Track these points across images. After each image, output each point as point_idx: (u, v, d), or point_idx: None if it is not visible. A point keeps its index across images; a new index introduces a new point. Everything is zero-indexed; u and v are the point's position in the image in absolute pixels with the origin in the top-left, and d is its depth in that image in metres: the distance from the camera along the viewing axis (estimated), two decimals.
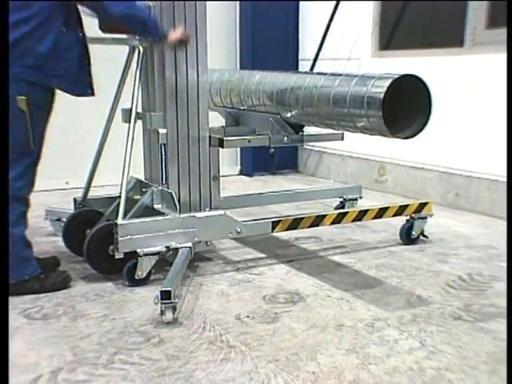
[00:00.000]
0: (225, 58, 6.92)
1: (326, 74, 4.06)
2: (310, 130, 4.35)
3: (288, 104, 4.09)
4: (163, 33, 3.70)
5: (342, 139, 4.38)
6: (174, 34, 3.72)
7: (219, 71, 4.86)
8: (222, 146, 4.01)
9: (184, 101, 3.89)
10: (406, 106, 3.57)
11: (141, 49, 3.83)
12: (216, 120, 4.50)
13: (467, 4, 5.38)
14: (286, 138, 4.17)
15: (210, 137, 4.01)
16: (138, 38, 3.83)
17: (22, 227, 3.56)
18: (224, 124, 4.65)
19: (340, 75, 3.85)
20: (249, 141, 4.22)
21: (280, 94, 4.14)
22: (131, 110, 3.82)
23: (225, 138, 4.02)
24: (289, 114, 4.11)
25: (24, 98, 3.38)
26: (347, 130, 3.98)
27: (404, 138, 3.62)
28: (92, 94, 3.69)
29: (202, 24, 3.87)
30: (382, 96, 3.41)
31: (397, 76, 3.46)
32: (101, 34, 3.83)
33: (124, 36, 3.88)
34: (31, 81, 3.39)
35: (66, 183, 5.90)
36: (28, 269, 3.56)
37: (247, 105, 4.47)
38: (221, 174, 4.28)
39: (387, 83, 3.43)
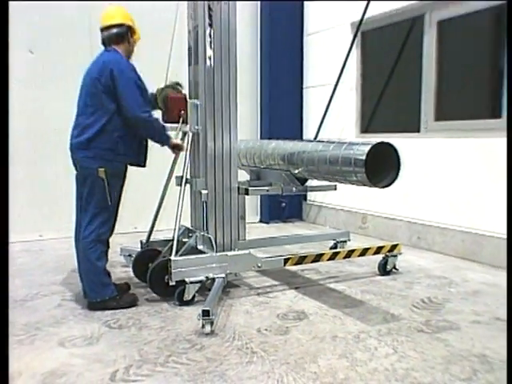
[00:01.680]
0: (249, 131, 6.98)
1: (323, 141, 4.11)
2: (312, 182, 4.39)
3: (296, 163, 4.12)
4: (167, 141, 3.75)
5: (335, 189, 4.38)
6: (174, 142, 3.81)
7: (245, 141, 4.92)
8: (247, 194, 4.04)
9: (220, 162, 3.92)
10: (382, 164, 3.59)
11: (190, 134, 3.88)
12: (243, 176, 4.54)
13: (421, 100, 5.47)
14: (294, 189, 4.21)
15: (238, 187, 4.02)
16: (188, 126, 3.86)
17: (103, 261, 3.58)
18: (249, 178, 4.69)
19: (334, 142, 3.89)
20: (267, 190, 4.25)
21: (290, 156, 4.18)
22: (182, 176, 3.86)
23: (249, 188, 4.06)
24: (296, 171, 4.15)
25: (103, 169, 3.46)
26: (340, 183, 3.99)
27: (382, 187, 3.64)
28: (144, 166, 3.74)
29: (234, 113, 3.94)
30: (364, 157, 3.47)
31: (375, 143, 3.54)
32: None
33: (178, 125, 3.92)
34: (107, 158, 3.47)
35: (135, 228, 5.90)
36: (108, 291, 3.57)
37: (266, 164, 4.50)
38: (246, 221, 4.32)
39: (368, 148, 3.50)
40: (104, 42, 3.65)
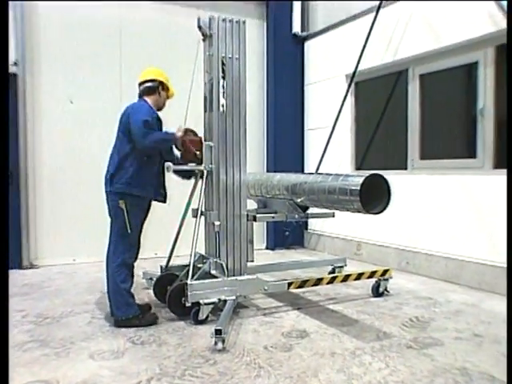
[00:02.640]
0: (257, 165, 7.03)
1: (322, 173, 4.15)
2: (312, 210, 4.38)
3: (298, 193, 4.12)
4: (172, 142, 3.72)
5: (333, 216, 4.34)
6: (179, 133, 3.74)
7: (253, 173, 4.91)
8: (255, 220, 4.04)
9: (231, 195, 3.93)
10: (374, 193, 3.61)
11: (205, 172, 3.89)
12: (251, 205, 4.51)
13: (407, 141, 5.53)
14: (296, 216, 4.21)
15: (247, 215, 4.01)
16: (203, 164, 3.87)
17: (128, 283, 3.60)
18: (256, 207, 4.68)
19: (331, 174, 3.92)
20: (273, 217, 4.25)
21: (293, 187, 4.19)
22: (197, 209, 3.86)
23: (257, 215, 4.07)
24: (299, 200, 4.15)
25: (123, 201, 3.53)
26: (338, 210, 3.98)
27: (375, 214, 3.64)
28: (164, 201, 3.76)
29: (244, 153, 3.97)
30: (359, 188, 3.50)
31: (368, 175, 3.58)
32: None
33: (194, 165, 3.95)
34: (124, 191, 3.54)
35: (155, 254, 5.89)
36: (132, 311, 3.59)
37: (271, 194, 4.49)
38: (254, 248, 4.25)
39: (362, 179, 3.54)
40: (140, 95, 3.83)
